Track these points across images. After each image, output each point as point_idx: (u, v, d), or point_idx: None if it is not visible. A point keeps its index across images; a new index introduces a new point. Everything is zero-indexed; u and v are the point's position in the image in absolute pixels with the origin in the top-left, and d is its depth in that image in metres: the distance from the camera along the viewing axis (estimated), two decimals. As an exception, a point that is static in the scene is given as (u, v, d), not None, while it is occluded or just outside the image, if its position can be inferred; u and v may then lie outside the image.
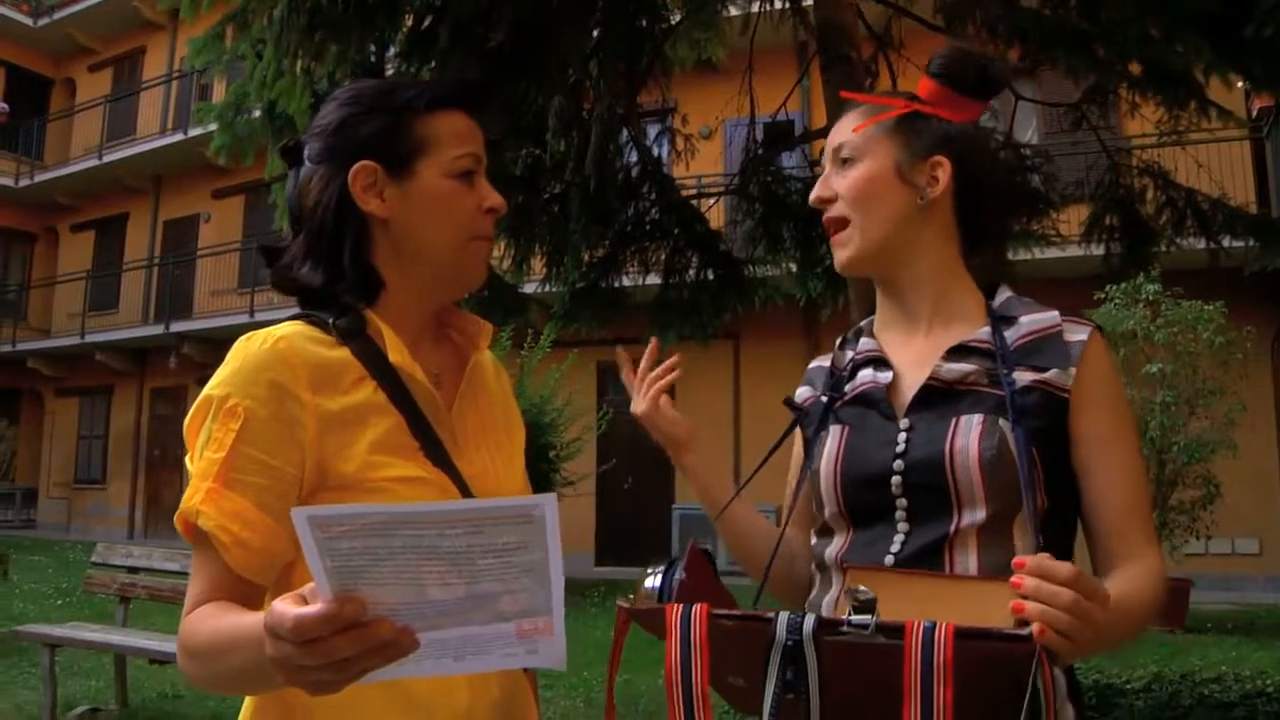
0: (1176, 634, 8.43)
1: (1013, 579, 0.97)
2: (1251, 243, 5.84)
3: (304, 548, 0.80)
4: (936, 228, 1.35)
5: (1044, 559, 0.97)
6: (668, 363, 1.50)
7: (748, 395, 13.86)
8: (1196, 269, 6.91)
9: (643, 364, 1.51)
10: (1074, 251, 6.56)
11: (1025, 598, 0.95)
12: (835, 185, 1.37)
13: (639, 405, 1.50)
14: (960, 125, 1.35)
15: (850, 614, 0.96)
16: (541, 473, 11.51)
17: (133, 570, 5.97)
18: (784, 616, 0.98)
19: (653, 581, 1.20)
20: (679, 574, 1.15)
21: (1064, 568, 0.96)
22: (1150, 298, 8.52)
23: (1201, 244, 5.86)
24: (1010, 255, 5.67)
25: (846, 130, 1.38)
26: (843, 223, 1.36)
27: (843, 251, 1.38)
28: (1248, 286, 7.58)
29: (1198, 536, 8.72)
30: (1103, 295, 8.63)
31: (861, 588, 0.98)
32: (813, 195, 1.40)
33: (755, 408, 13.43)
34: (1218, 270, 6.17)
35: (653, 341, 1.55)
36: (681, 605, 1.01)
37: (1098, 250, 6.02)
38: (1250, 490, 10.11)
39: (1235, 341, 8.58)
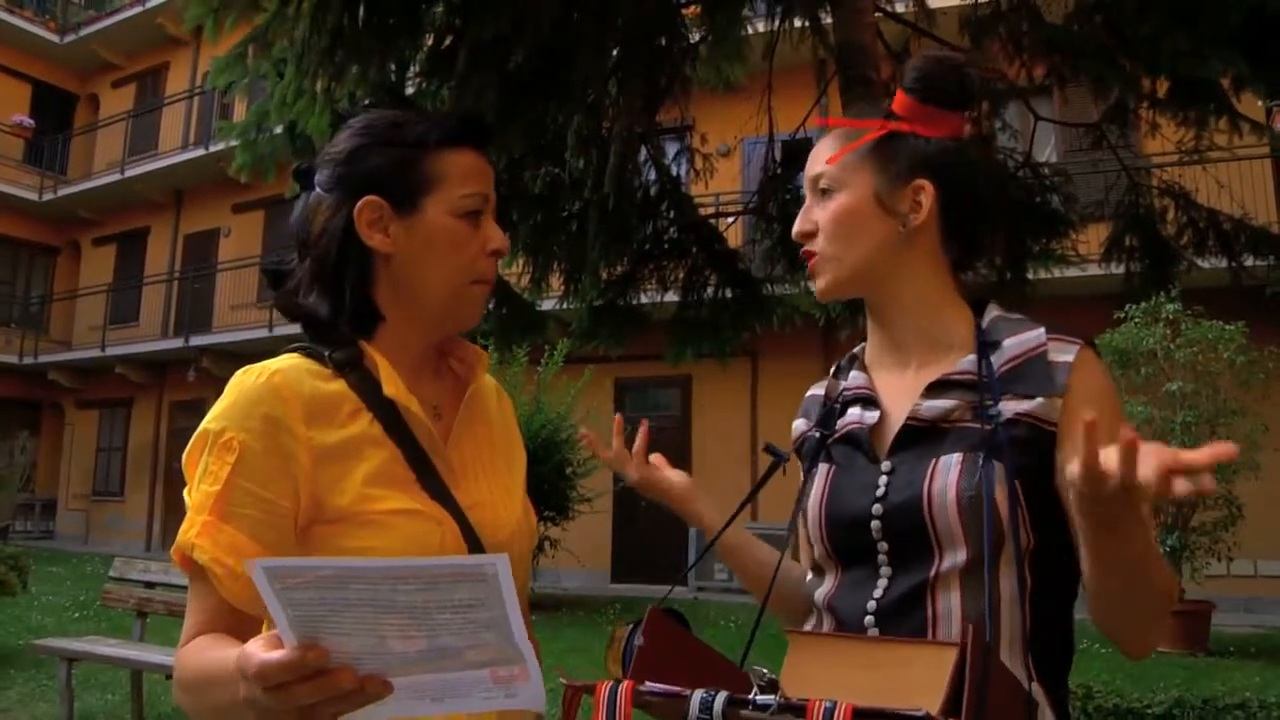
0: (1198, 657, 8.35)
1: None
2: (1274, 262, 5.80)
3: (264, 598, 0.81)
4: (921, 252, 1.30)
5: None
6: (641, 432, 1.54)
7: (765, 413, 13.83)
8: (1217, 288, 6.86)
9: (615, 442, 1.54)
10: (1094, 271, 6.52)
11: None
12: (816, 217, 1.32)
13: (632, 477, 1.53)
14: (940, 143, 1.29)
15: (755, 694, 0.97)
16: (559, 490, 11.50)
17: (150, 585, 5.99)
18: (697, 696, 0.99)
19: (621, 641, 1.20)
20: (637, 640, 1.15)
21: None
22: (1170, 317, 8.46)
23: (1222, 263, 5.82)
24: (1029, 274, 5.67)
25: (822, 159, 1.32)
26: (823, 256, 1.32)
27: (819, 280, 1.33)
28: (1269, 306, 7.50)
29: (1219, 558, 8.63)
30: (1122, 315, 8.58)
31: (764, 669, 1.02)
32: (795, 229, 1.35)
33: (773, 426, 13.38)
34: (1238, 289, 6.12)
35: (617, 418, 1.58)
36: (609, 683, 1.04)
37: (1118, 270, 5.99)
38: (1273, 511, 9.99)
39: (1257, 361, 8.50)
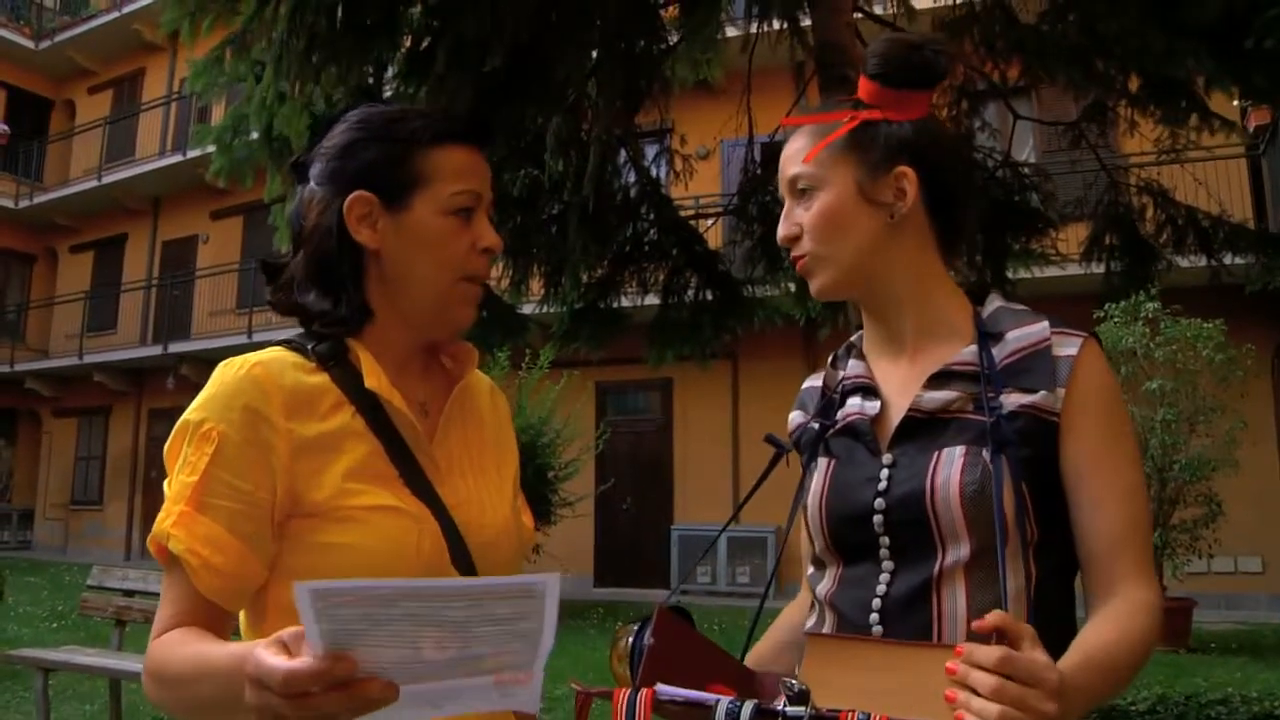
0: (1180, 654, 8.39)
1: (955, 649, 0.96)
2: (1252, 260, 5.84)
3: (301, 615, 0.80)
4: (911, 238, 1.27)
5: (975, 646, 0.94)
6: None
7: (746, 415, 13.83)
8: (1195, 286, 6.90)
9: None
10: (1074, 270, 6.55)
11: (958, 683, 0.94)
12: (799, 219, 1.29)
13: None
14: (914, 124, 1.26)
15: (785, 705, 0.95)
16: (540, 494, 11.47)
17: (128, 593, 5.92)
18: (723, 704, 0.97)
19: (628, 639, 1.17)
20: (647, 639, 1.12)
21: (991, 653, 0.92)
22: (1150, 315, 8.51)
23: (1201, 261, 5.85)
24: (1010, 274, 5.68)
25: (798, 159, 1.29)
26: (814, 257, 1.29)
27: (815, 280, 1.30)
28: (1247, 304, 7.56)
29: (1200, 555, 8.68)
30: (1102, 314, 8.62)
31: (793, 680, 0.99)
32: (779, 234, 1.32)
33: (754, 427, 13.37)
34: (1216, 287, 6.16)
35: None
36: (627, 691, 1.01)
37: (1098, 269, 6.01)
38: (1253, 508, 10.07)
39: (1235, 359, 8.56)
